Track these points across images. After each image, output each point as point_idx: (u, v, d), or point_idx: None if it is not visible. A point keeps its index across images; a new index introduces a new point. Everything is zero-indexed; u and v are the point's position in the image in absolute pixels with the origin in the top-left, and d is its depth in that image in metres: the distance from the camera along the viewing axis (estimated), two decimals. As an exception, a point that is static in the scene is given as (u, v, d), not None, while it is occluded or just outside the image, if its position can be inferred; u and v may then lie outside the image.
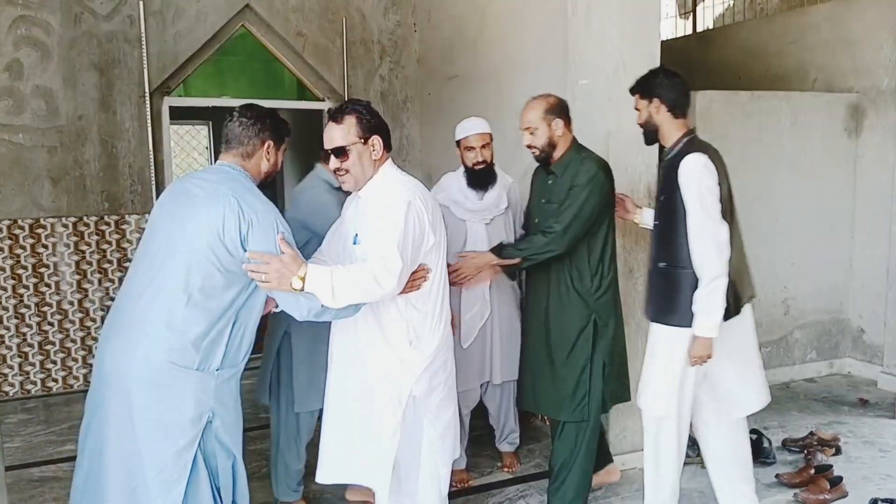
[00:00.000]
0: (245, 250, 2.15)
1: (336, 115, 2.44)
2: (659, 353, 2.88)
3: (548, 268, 2.99)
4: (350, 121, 2.41)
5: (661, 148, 2.98)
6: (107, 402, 2.17)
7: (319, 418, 2.76)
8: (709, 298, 2.69)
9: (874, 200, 5.09)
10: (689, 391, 2.88)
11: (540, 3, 4.12)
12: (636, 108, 2.95)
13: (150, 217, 2.36)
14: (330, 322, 2.51)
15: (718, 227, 2.71)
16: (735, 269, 2.78)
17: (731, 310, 2.76)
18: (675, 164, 2.76)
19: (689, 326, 2.75)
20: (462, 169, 3.44)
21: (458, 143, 3.42)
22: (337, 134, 2.42)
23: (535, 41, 4.18)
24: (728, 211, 2.81)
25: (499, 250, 3.02)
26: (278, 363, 3.12)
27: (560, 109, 2.99)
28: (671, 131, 2.87)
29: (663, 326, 2.85)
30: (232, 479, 2.30)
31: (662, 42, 3.73)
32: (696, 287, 2.73)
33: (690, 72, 6.20)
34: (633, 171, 3.54)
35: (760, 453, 3.75)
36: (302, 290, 2.19)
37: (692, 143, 2.82)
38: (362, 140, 2.41)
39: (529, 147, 3.02)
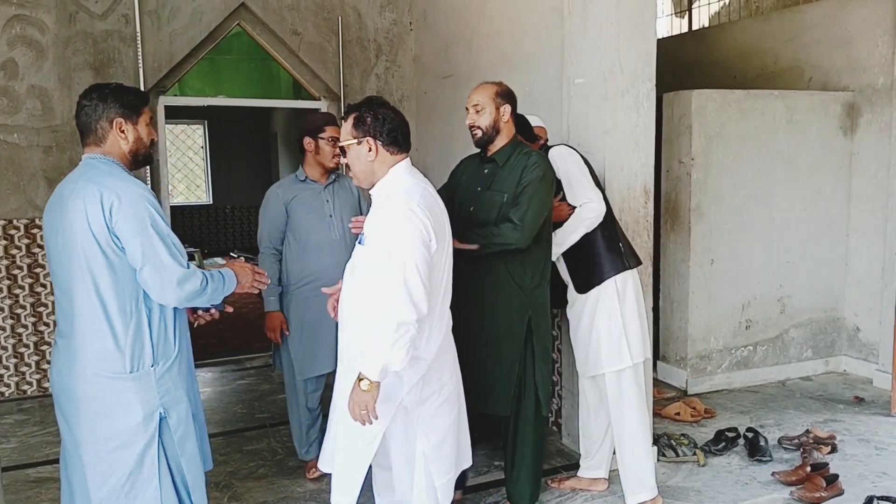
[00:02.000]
0: (116, 235, 2.11)
1: (345, 114, 2.53)
2: (598, 314, 3.12)
3: (490, 259, 2.92)
4: (350, 121, 2.48)
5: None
6: (61, 421, 2.25)
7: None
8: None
9: (869, 198, 5.10)
10: (634, 332, 3.15)
11: (536, 2, 4.12)
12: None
13: (44, 228, 2.30)
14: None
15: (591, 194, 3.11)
16: (623, 238, 3.25)
17: (633, 261, 3.21)
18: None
19: (608, 279, 3.12)
20: None
21: None
22: (342, 132, 2.54)
23: (531, 40, 4.19)
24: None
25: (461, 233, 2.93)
26: (283, 336, 3.52)
27: (510, 97, 3.02)
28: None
29: (591, 291, 3.14)
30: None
31: (658, 40, 3.73)
32: (597, 249, 3.12)
33: (686, 70, 6.22)
34: (630, 169, 3.54)
35: (757, 451, 3.76)
36: (370, 384, 2.26)
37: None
38: (356, 140, 2.45)
39: (472, 127, 2.99)
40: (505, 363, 2.97)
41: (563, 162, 3.12)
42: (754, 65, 5.82)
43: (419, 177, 2.51)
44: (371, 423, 2.30)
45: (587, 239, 3.13)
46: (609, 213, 3.19)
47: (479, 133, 2.98)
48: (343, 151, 2.52)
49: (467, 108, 3.02)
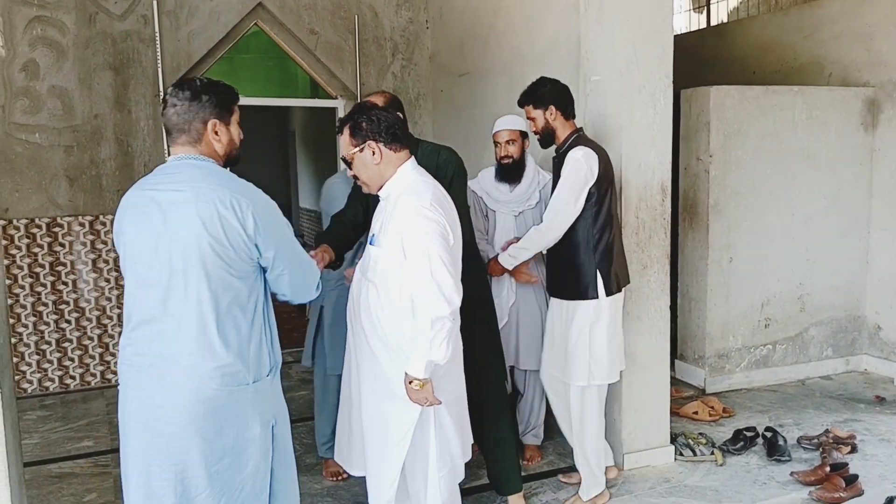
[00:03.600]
0: (256, 245, 1.99)
1: (338, 128, 2.56)
2: (572, 327, 3.15)
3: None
4: (346, 132, 2.51)
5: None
6: (158, 449, 1.98)
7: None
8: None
9: (891, 195, 5.04)
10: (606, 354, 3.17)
11: (552, -1, 4.11)
12: (529, 118, 3.24)
13: (121, 243, 2.07)
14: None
15: (571, 204, 3.08)
16: (618, 258, 3.22)
17: (615, 287, 3.15)
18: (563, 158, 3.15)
19: (594, 297, 3.11)
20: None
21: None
22: (342, 145, 2.55)
23: (547, 37, 4.18)
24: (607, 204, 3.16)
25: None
26: (319, 332, 3.52)
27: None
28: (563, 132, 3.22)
29: (580, 302, 3.13)
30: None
31: (675, 36, 3.70)
32: (586, 260, 3.11)
33: (704, 66, 6.17)
34: (647, 166, 3.53)
35: (775, 451, 3.73)
36: (421, 382, 2.32)
37: (578, 140, 3.18)
38: (359, 148, 2.47)
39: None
40: (486, 352, 3.05)
41: (571, 169, 3.08)
42: (773, 61, 5.76)
43: (426, 175, 2.52)
44: (438, 403, 2.40)
45: (573, 243, 3.13)
46: (613, 223, 3.17)
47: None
48: (348, 163, 2.53)
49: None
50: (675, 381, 4.78)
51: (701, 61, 6.25)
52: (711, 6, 7.40)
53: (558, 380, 3.32)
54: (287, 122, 11.79)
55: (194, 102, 2.03)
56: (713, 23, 7.30)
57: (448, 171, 2.93)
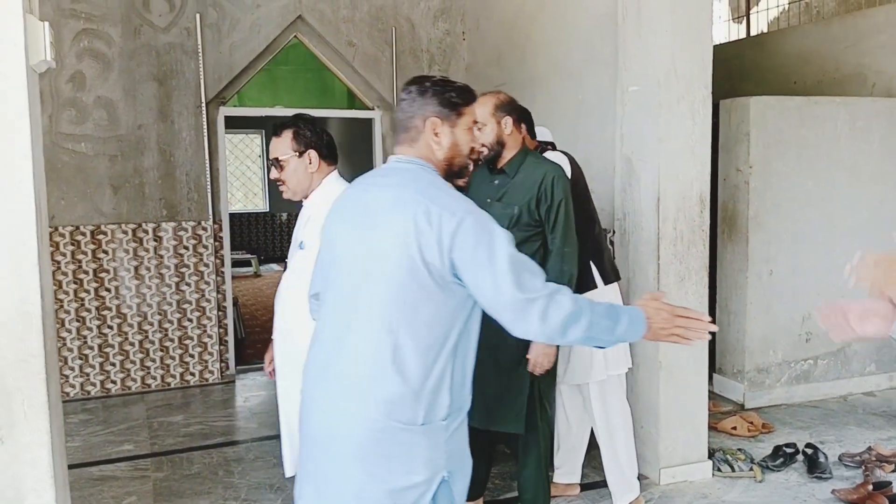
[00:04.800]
0: (453, 266, 1.69)
1: (276, 130, 2.60)
2: None
3: None
4: (287, 135, 2.57)
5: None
6: (321, 470, 1.81)
7: None
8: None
9: (937, 208, 4.92)
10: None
11: (589, 9, 4.11)
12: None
13: (324, 238, 1.95)
14: None
15: None
16: (606, 252, 3.33)
17: (612, 277, 3.25)
18: None
19: (594, 288, 3.15)
20: None
21: None
22: (275, 146, 2.58)
23: (584, 47, 4.17)
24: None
25: None
26: None
27: (509, 108, 2.94)
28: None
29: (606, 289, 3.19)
30: None
31: (715, 46, 3.67)
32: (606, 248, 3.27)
33: (743, 77, 6.10)
34: (685, 178, 3.50)
35: (816, 468, 3.66)
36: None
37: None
38: (297, 153, 2.55)
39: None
40: (515, 379, 2.89)
41: None
42: (814, 71, 5.68)
43: (347, 185, 2.62)
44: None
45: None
46: (595, 222, 3.26)
47: (483, 150, 2.88)
48: (278, 166, 2.59)
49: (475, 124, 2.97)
50: (713, 396, 4.71)
51: (740, 71, 6.18)
52: (751, 16, 7.33)
53: (573, 389, 3.33)
54: (324, 133, 11.91)
55: (419, 98, 1.85)
56: (753, 33, 7.22)
57: (552, 194, 2.86)
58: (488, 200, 2.96)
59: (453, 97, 1.86)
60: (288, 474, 2.74)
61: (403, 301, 1.71)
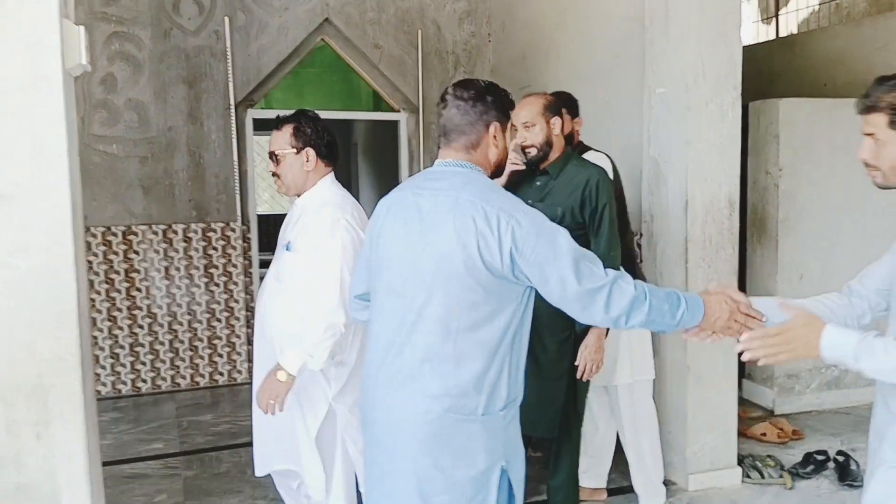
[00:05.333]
0: (514, 265, 1.76)
1: (278, 123, 2.61)
2: None
3: None
4: (287, 129, 2.58)
5: None
6: (385, 460, 1.90)
7: None
8: None
9: (973, 211, 4.82)
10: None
11: (615, 10, 4.09)
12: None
13: (370, 240, 2.01)
14: None
15: None
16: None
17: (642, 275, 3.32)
18: None
19: None
20: None
21: None
22: (274, 140, 2.60)
23: (609, 50, 4.15)
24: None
25: None
26: None
27: (558, 108, 2.91)
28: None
29: None
30: None
31: (744, 48, 3.64)
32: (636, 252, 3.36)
33: (772, 78, 6.03)
34: (713, 181, 3.46)
35: (848, 475, 3.60)
36: (287, 377, 2.38)
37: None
38: (295, 149, 2.56)
39: (524, 146, 2.86)
40: (552, 384, 2.88)
41: None
42: (845, 72, 5.59)
43: (343, 189, 2.65)
44: (275, 413, 2.40)
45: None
46: (629, 226, 3.29)
47: (532, 151, 2.85)
48: (275, 159, 2.59)
49: (513, 126, 2.82)
50: (742, 401, 4.65)
51: (769, 73, 6.11)
52: (780, 17, 7.24)
53: (601, 392, 3.31)
54: (350, 135, 11.98)
55: (479, 103, 1.89)
56: (782, 34, 7.14)
57: (596, 198, 2.83)
58: (529, 202, 2.89)
59: (508, 103, 1.96)
60: (258, 474, 2.81)
61: (463, 299, 1.77)
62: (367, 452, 1.99)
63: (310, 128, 2.57)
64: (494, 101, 1.91)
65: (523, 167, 2.90)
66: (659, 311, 1.79)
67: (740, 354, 1.73)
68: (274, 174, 2.62)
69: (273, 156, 2.59)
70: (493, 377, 1.81)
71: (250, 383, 5.34)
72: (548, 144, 2.87)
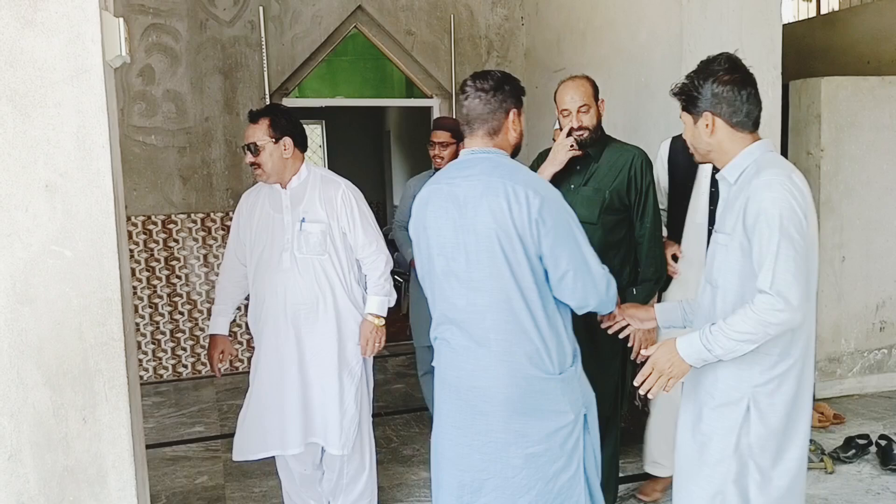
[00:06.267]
0: (539, 237, 1.98)
1: (253, 117, 2.77)
2: None
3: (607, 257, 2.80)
4: (264, 122, 2.73)
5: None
6: (476, 429, 2.09)
7: None
8: None
9: None
10: None
11: (652, -8, 4.02)
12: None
13: (424, 237, 2.16)
14: None
15: None
16: None
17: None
18: None
19: None
20: None
21: None
22: (252, 132, 2.75)
23: (647, 30, 4.09)
24: None
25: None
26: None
27: (598, 90, 2.90)
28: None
29: None
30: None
31: (784, 26, 3.56)
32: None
33: (814, 57, 5.89)
34: (752, 162, 3.40)
35: (890, 460, 3.54)
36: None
37: None
38: (273, 139, 2.73)
39: (581, 129, 2.81)
40: (608, 364, 2.89)
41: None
42: (890, 49, 5.44)
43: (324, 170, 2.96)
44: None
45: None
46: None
47: (585, 134, 2.81)
48: (253, 151, 2.72)
49: (565, 110, 2.83)
50: (780, 385, 4.59)
51: (810, 51, 5.97)
52: (822, -7, 7.05)
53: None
54: (382, 122, 12.00)
55: (498, 92, 2.08)
56: (823, 11, 6.95)
57: (641, 179, 2.84)
58: (572, 187, 2.89)
59: (520, 89, 2.15)
60: (235, 458, 2.92)
61: (510, 270, 1.99)
62: (443, 423, 2.17)
63: (284, 119, 2.76)
64: (511, 90, 2.11)
65: (580, 152, 2.85)
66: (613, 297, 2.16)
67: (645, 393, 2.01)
68: (253, 164, 2.77)
69: (253, 147, 2.73)
70: (556, 336, 2.06)
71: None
72: (599, 127, 2.87)
